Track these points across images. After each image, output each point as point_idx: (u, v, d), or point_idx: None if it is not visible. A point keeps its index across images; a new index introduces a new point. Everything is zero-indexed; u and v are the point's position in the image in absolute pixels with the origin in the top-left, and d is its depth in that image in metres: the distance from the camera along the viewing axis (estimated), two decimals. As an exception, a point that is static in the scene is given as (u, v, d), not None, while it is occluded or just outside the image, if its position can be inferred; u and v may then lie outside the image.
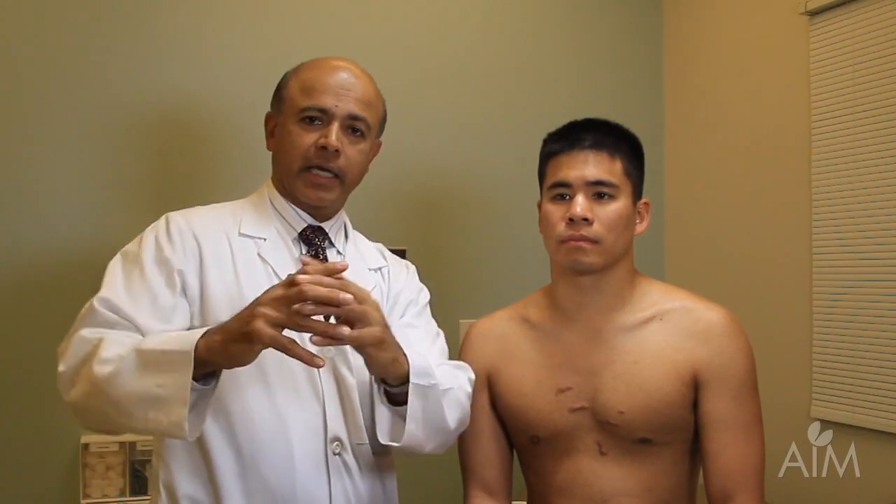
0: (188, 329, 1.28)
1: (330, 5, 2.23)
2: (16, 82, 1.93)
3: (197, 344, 1.12)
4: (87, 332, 1.23)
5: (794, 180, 2.16)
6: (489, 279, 2.37)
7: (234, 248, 1.36)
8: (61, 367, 1.23)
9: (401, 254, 2.16)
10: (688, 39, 2.56)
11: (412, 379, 1.25)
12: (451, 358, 1.49)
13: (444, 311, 2.23)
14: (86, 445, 1.92)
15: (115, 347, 1.18)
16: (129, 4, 2.02)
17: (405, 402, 1.26)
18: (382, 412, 1.29)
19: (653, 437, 1.35)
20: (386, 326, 1.21)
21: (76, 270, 1.96)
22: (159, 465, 1.34)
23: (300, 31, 2.18)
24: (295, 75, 1.41)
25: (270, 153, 1.45)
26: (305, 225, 1.42)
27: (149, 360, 1.14)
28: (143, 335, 1.24)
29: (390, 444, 1.29)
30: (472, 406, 1.48)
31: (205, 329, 1.16)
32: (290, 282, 1.09)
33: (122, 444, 1.94)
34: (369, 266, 1.48)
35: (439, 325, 1.55)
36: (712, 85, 2.46)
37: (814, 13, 2.09)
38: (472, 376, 1.44)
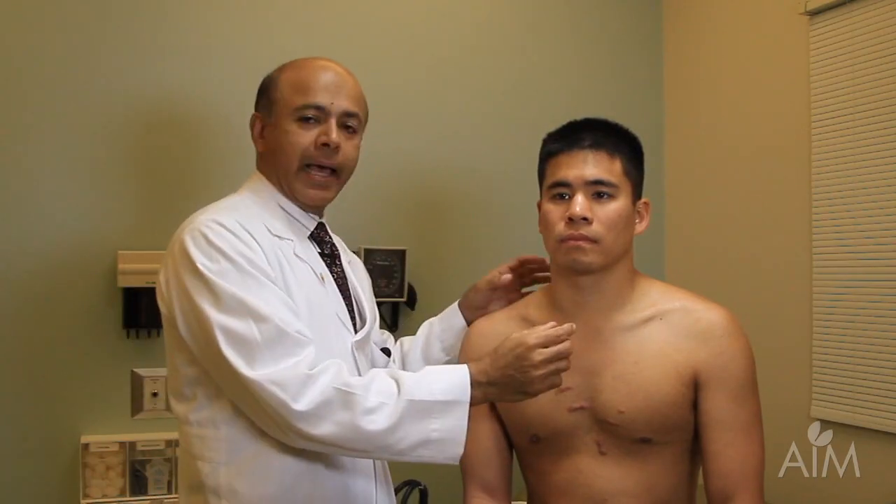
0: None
1: (328, 5, 2.23)
2: (14, 82, 1.93)
3: (472, 394, 1.25)
4: (304, 367, 1.22)
5: (794, 180, 2.16)
6: (489, 279, 2.36)
7: (278, 248, 1.34)
8: (297, 406, 1.19)
9: (401, 254, 2.17)
10: (688, 40, 2.56)
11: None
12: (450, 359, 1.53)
13: (444, 311, 2.25)
14: (86, 445, 1.92)
15: (374, 397, 1.23)
16: (125, 5, 2.03)
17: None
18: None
19: (653, 437, 1.35)
20: None
21: (76, 270, 1.97)
22: (212, 470, 1.29)
23: (298, 30, 2.18)
24: (283, 76, 1.41)
25: (261, 153, 1.44)
26: (315, 223, 1.44)
27: (423, 410, 1.24)
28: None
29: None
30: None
31: (467, 372, 1.26)
32: (558, 355, 1.24)
33: (122, 444, 1.95)
34: (346, 259, 1.53)
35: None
36: (712, 85, 2.46)
37: (814, 13, 2.09)
38: None
